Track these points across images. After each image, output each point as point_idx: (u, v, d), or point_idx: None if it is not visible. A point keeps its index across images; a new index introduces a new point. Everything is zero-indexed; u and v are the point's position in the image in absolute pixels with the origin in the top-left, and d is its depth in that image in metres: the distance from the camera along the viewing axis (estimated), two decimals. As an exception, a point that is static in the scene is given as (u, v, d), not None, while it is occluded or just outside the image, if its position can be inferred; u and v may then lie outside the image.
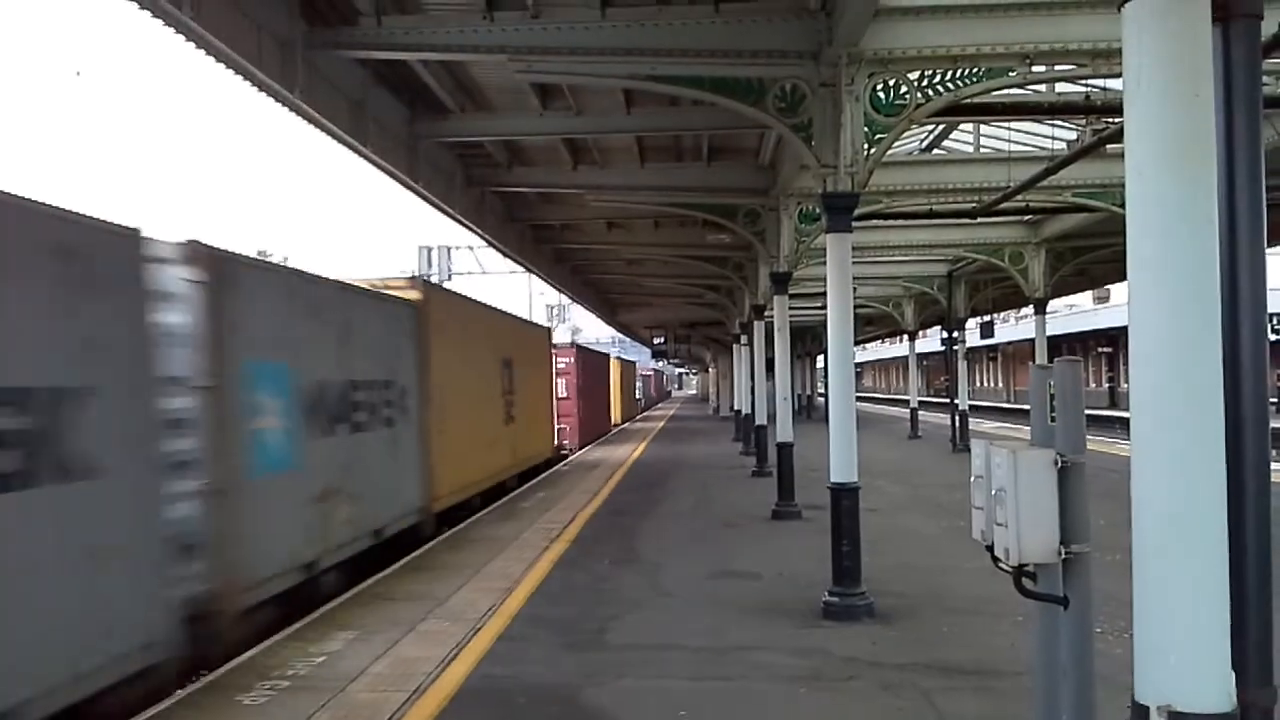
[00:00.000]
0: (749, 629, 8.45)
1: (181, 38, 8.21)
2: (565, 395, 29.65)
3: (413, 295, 13.49)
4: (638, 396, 58.26)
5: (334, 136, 10.61)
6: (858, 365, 76.13)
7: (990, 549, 3.78)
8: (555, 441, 26.96)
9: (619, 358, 47.57)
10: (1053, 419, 3.60)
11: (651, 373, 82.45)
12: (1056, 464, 3.49)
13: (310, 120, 9.90)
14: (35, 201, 5.97)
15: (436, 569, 11.18)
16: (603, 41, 9.12)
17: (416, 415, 13.30)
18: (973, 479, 3.86)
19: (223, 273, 8.10)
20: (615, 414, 41.22)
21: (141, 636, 6.70)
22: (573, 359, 31.02)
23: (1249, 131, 2.83)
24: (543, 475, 22.35)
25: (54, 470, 5.80)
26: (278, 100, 9.23)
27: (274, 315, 9.12)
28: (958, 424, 27.63)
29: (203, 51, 8.49)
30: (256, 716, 6.36)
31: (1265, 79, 11.58)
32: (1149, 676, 2.82)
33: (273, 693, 6.83)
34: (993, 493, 3.58)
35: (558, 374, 28.78)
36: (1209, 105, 2.77)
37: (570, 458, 27.75)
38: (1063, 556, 3.49)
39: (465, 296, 17.84)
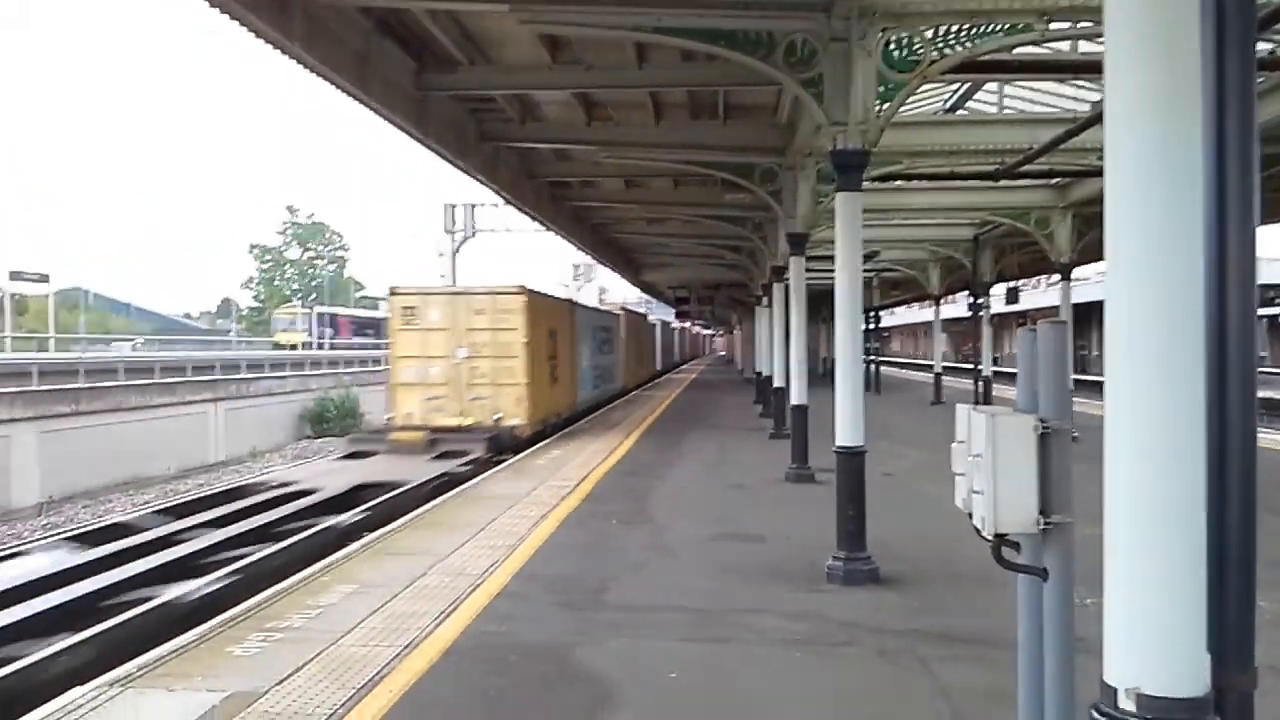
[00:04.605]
0: (750, 591, 8.39)
1: (182, -15, 8.09)
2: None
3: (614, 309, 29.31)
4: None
5: (337, 87, 10.48)
6: (885, 330, 75.56)
7: (972, 516, 3.65)
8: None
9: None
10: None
11: (676, 329, 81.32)
12: (1037, 429, 3.35)
13: (312, 70, 9.77)
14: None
15: (443, 525, 11.17)
16: (607, -9, 8.92)
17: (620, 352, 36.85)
18: (955, 444, 3.73)
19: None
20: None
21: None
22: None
23: (1241, 77, 2.63)
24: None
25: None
26: (276, 48, 9.10)
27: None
28: (981, 390, 27.39)
29: (205, 3, 8.38)
30: (245, 666, 6.36)
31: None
32: (1118, 656, 2.69)
33: (265, 644, 6.83)
34: (969, 458, 3.45)
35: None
36: (1195, 51, 2.59)
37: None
38: (1042, 526, 3.36)
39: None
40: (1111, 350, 2.67)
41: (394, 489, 15.38)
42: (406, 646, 6.75)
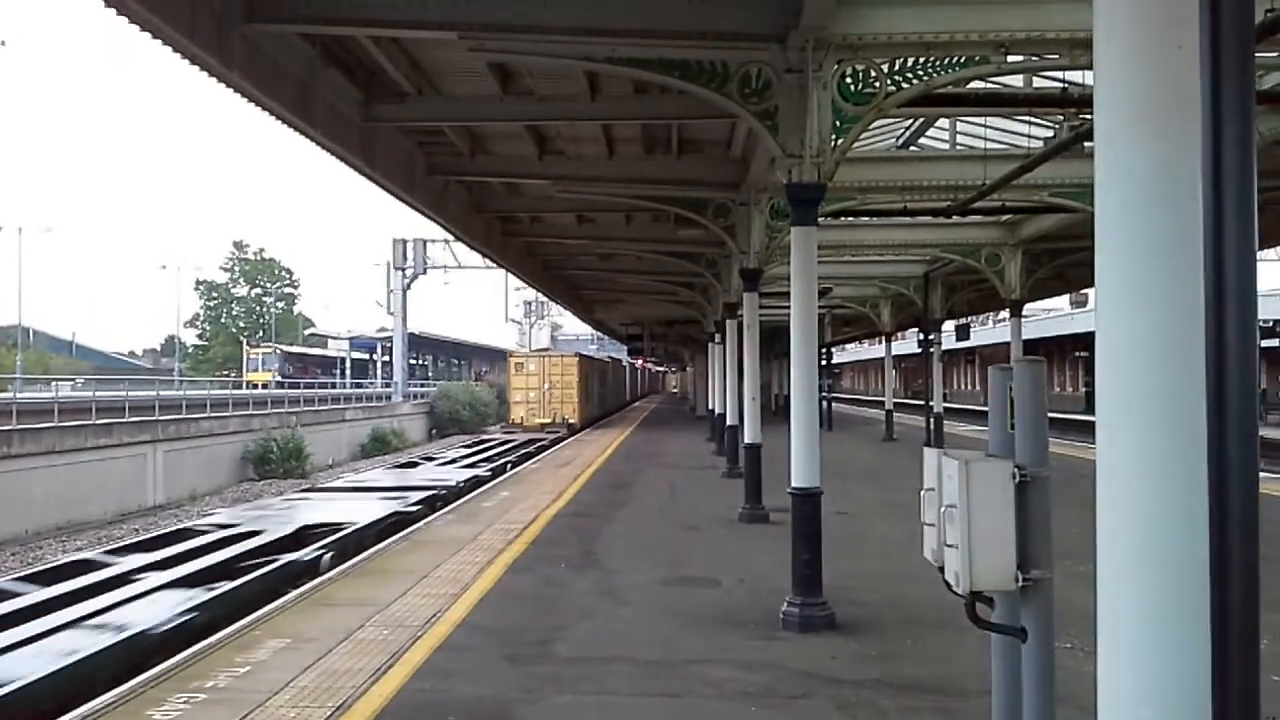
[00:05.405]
0: (703, 640, 8.05)
1: (113, 11, 7.72)
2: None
3: (606, 358, 63.08)
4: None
5: (278, 117, 10.11)
6: (837, 366, 75.99)
7: (943, 571, 3.36)
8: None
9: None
10: (1012, 426, 3.18)
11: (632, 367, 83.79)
12: (1014, 478, 3.07)
13: (251, 99, 9.40)
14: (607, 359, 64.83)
15: (385, 572, 10.71)
16: (559, 20, 8.64)
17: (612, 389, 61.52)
18: (923, 492, 3.44)
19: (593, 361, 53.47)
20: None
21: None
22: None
23: (1240, 92, 2.40)
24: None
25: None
26: (214, 76, 8.71)
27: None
28: (933, 426, 27.38)
29: (136, 27, 8.01)
30: (161, 734, 5.90)
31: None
32: (1115, 729, 2.41)
33: (187, 706, 6.36)
34: (942, 509, 3.16)
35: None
36: (1193, 60, 2.36)
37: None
38: (1020, 584, 3.07)
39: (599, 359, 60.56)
40: (1104, 388, 2.41)
41: (543, 441, 37.23)
42: (338, 708, 6.32)
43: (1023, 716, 3.24)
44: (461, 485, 22.02)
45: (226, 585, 11.77)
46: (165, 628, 9.91)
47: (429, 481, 23.14)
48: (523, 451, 33.47)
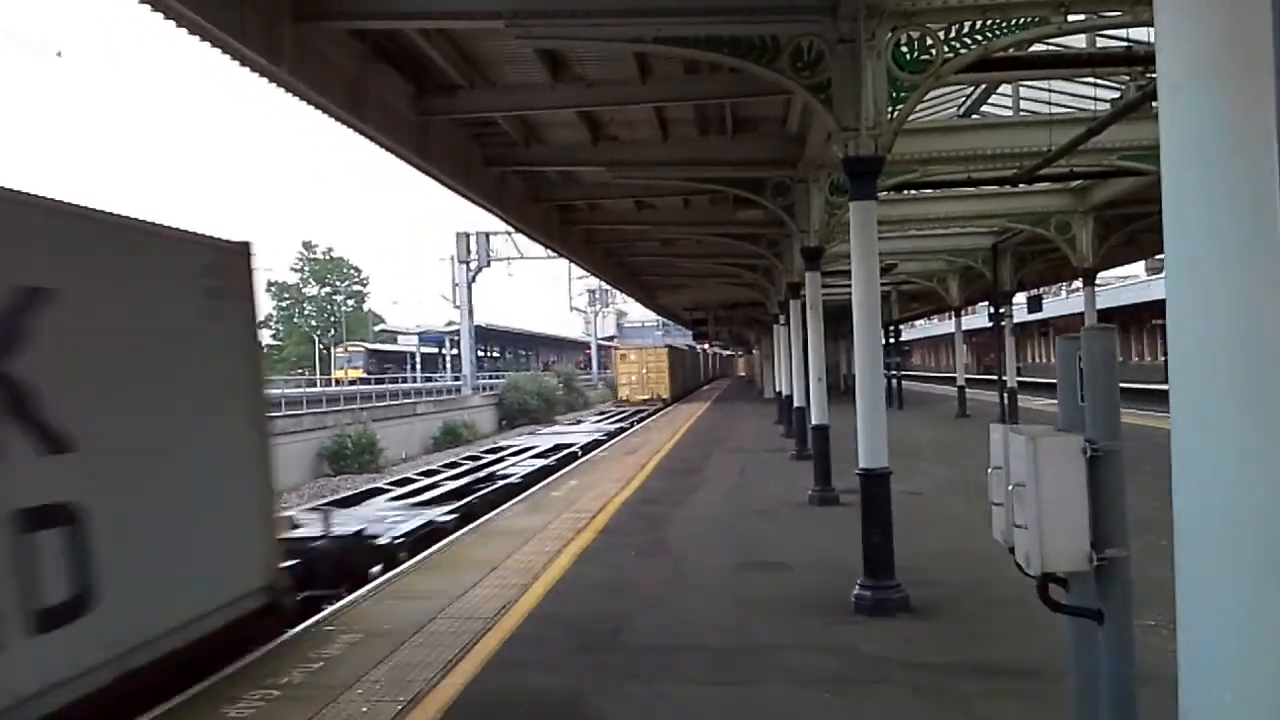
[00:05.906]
0: (775, 626, 7.96)
1: (160, 15, 7.81)
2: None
3: (685, 347, 79.41)
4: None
5: (330, 114, 10.14)
6: (906, 343, 74.99)
7: (1013, 552, 3.22)
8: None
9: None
10: (1082, 399, 3.02)
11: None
12: (1085, 453, 2.91)
13: (301, 96, 9.44)
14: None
15: (455, 565, 10.77)
16: (604, 2, 8.56)
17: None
18: (990, 470, 3.30)
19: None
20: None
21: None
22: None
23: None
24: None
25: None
26: (264, 76, 8.77)
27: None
28: (1006, 402, 26.81)
29: (185, 30, 8.09)
30: (237, 731, 5.98)
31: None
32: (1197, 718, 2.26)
33: (262, 703, 6.43)
34: (1010, 488, 3.01)
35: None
36: (1263, 2, 2.18)
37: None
38: (1095, 564, 2.92)
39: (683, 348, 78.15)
40: (1177, 361, 2.25)
41: (646, 410, 49.92)
42: (410, 701, 6.34)
43: (1100, 699, 3.09)
44: (614, 431, 35.43)
45: (556, 456, 25.37)
46: (551, 464, 23.33)
47: (597, 429, 37.91)
48: (637, 416, 45.98)
